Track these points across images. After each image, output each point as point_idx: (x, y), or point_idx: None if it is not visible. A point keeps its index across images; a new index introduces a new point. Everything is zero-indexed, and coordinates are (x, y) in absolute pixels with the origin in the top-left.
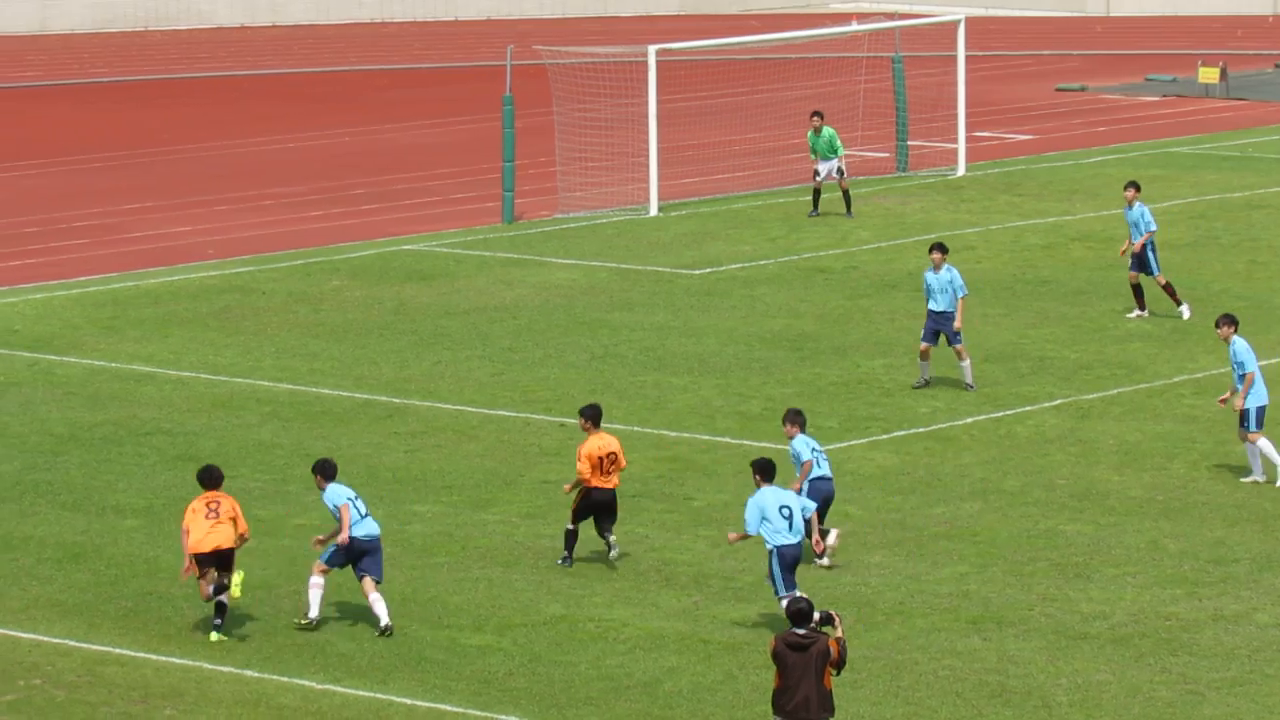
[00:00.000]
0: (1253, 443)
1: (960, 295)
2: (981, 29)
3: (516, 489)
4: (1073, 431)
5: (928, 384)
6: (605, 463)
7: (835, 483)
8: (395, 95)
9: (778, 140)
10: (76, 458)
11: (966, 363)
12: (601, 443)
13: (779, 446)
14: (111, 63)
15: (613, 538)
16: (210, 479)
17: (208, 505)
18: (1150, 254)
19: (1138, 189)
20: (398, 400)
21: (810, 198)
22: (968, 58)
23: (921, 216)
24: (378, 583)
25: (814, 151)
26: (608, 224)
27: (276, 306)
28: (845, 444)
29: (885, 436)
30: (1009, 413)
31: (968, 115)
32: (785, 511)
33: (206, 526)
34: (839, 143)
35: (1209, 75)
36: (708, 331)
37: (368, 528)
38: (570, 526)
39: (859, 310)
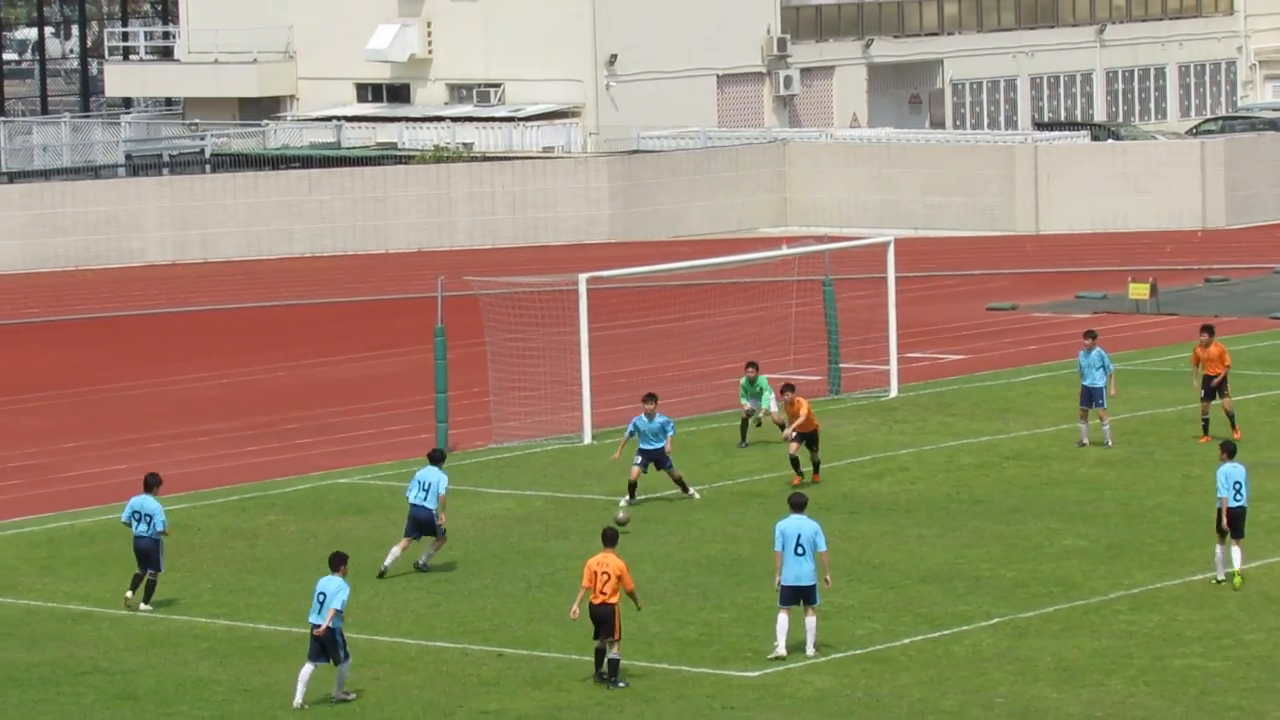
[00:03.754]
0: None
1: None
2: (912, 249)
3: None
4: (1010, 650)
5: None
6: (599, 579)
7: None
8: (328, 329)
9: (710, 365)
10: (14, 698)
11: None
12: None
13: (715, 671)
14: (43, 302)
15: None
16: None
17: None
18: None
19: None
20: None
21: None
22: (898, 279)
23: (855, 439)
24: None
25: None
26: (542, 453)
27: (212, 543)
28: (784, 668)
29: (823, 659)
30: (946, 632)
31: (900, 336)
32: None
33: None
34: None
35: (1139, 291)
36: (643, 558)
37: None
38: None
39: None
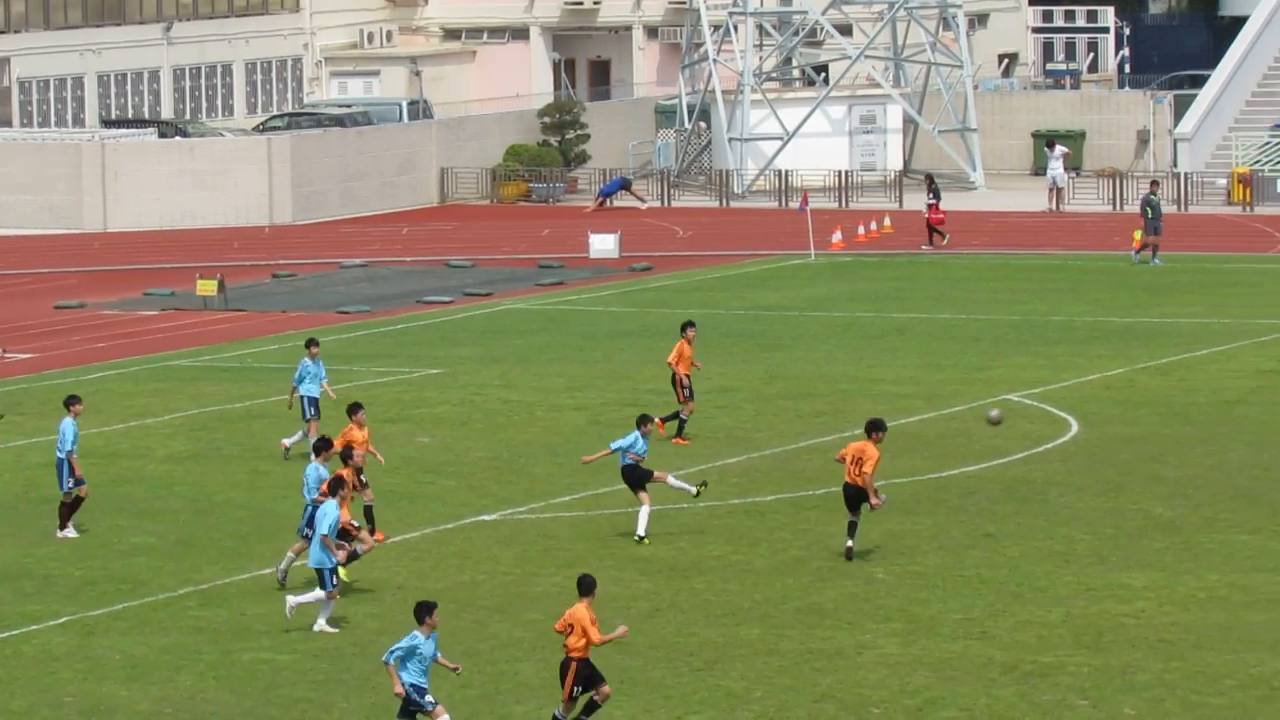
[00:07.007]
0: None
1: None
2: None
3: None
4: (79, 649)
5: None
6: None
7: None
8: None
9: None
10: None
11: None
12: None
13: None
14: None
15: None
16: None
17: None
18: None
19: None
20: None
21: None
22: None
23: None
24: None
25: None
26: None
27: None
28: None
29: None
30: (14, 632)
31: None
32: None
33: None
34: None
35: (207, 288)
36: None
37: None
38: None
39: None
